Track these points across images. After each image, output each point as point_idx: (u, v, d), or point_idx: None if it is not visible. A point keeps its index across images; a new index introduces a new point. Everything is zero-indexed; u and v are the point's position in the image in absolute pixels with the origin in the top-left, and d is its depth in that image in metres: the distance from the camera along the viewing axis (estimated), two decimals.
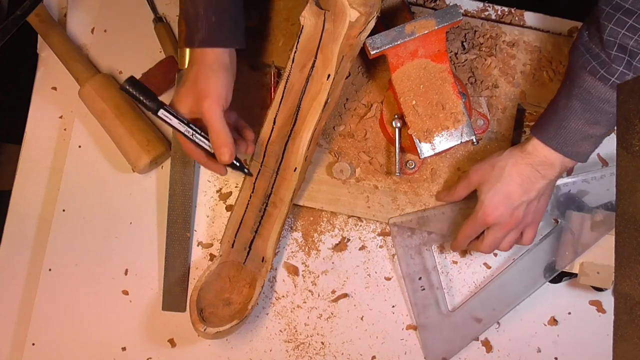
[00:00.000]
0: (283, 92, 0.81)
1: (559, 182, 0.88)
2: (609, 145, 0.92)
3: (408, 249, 0.88)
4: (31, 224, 0.93)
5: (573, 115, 0.74)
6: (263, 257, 0.86)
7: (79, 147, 0.92)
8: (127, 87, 0.72)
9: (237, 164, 0.80)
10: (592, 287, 0.90)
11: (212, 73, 0.74)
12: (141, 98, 0.73)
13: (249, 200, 0.85)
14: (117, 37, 0.94)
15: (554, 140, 0.76)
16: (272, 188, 0.84)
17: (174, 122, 0.75)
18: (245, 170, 0.81)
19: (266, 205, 0.85)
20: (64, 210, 0.91)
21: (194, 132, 0.76)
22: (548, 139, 0.76)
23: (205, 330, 0.81)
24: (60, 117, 0.94)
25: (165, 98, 0.92)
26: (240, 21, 0.78)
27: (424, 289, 0.88)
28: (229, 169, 0.81)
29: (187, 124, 0.76)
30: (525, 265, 0.89)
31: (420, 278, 0.88)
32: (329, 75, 0.79)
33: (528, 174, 0.77)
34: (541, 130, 0.77)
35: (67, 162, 0.92)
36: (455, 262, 0.90)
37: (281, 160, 0.83)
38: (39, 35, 0.93)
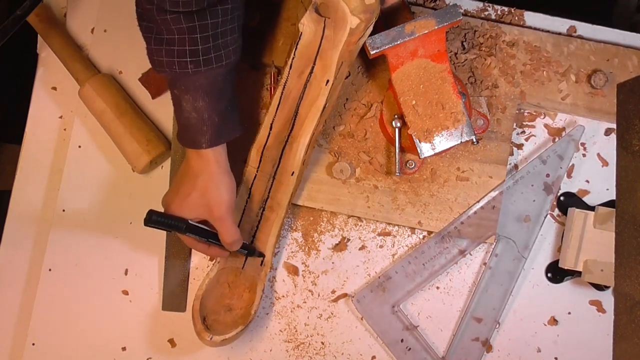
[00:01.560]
0: (280, 98, 0.82)
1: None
2: (608, 145, 0.92)
3: (380, 318, 0.88)
4: (31, 224, 0.93)
5: None
6: (262, 261, 0.86)
7: (79, 147, 0.92)
8: (154, 218, 0.75)
9: (245, 251, 0.83)
10: (592, 285, 0.90)
11: (220, 183, 0.77)
12: (171, 223, 0.76)
13: (245, 206, 0.85)
14: (117, 37, 0.93)
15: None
16: (269, 192, 0.84)
17: (196, 236, 0.78)
18: (245, 252, 0.83)
19: (263, 210, 0.85)
20: (64, 210, 0.91)
21: (208, 239, 0.79)
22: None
23: (211, 339, 0.81)
24: (60, 117, 0.94)
25: (165, 98, 0.92)
26: (236, 109, 0.79)
27: (410, 349, 0.88)
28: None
29: (207, 238, 0.79)
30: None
31: (402, 340, 0.88)
32: (327, 81, 0.79)
33: None
34: None
35: (67, 162, 0.92)
36: (455, 263, 0.90)
37: (278, 165, 0.83)
38: (38, 35, 0.93)
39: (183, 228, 0.76)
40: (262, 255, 0.85)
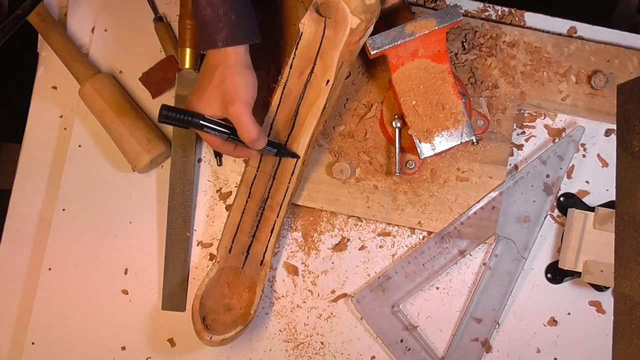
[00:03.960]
0: (280, 98, 0.81)
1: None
2: (608, 146, 0.92)
3: (380, 318, 0.88)
4: (31, 223, 0.93)
5: None
6: (262, 261, 0.86)
7: (79, 146, 0.92)
8: (164, 113, 0.72)
9: (273, 149, 0.79)
10: (591, 286, 0.90)
11: (237, 75, 0.74)
12: (184, 118, 0.73)
13: (245, 205, 0.85)
14: (118, 36, 0.94)
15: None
16: (269, 192, 0.84)
17: (214, 132, 0.75)
18: (274, 151, 0.79)
19: (263, 210, 0.85)
20: (63, 210, 0.91)
21: (229, 135, 0.76)
22: None
23: (211, 338, 0.81)
24: (61, 116, 0.94)
25: (165, 97, 0.93)
26: (253, 16, 0.78)
27: (409, 349, 0.88)
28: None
29: (226, 133, 0.76)
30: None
31: (402, 340, 0.88)
32: (327, 81, 0.79)
33: None
34: None
35: (67, 162, 0.92)
36: (455, 263, 0.90)
37: (278, 165, 0.83)
38: (39, 35, 0.93)
39: (198, 123, 0.73)
40: (295, 155, 0.82)
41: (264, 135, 0.76)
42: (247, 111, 0.74)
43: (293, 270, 0.91)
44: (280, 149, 0.80)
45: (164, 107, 0.72)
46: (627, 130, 0.58)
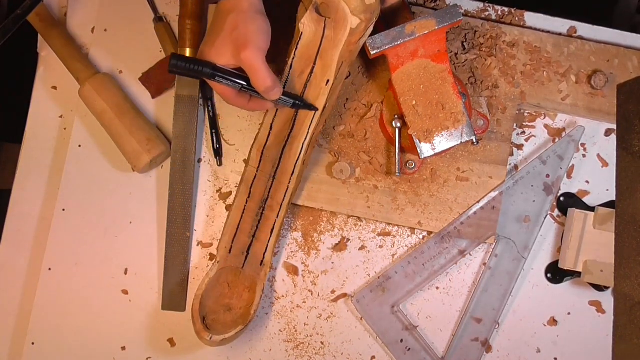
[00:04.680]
0: None
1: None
2: (608, 146, 0.92)
3: (380, 318, 0.88)
4: (31, 223, 0.93)
5: None
6: (262, 261, 0.86)
7: (79, 146, 0.92)
8: (173, 62, 0.70)
9: (290, 100, 0.77)
10: (591, 286, 0.90)
11: (250, 20, 0.72)
12: (195, 68, 0.70)
13: (245, 205, 0.85)
14: (118, 36, 0.94)
15: None
16: (269, 192, 0.84)
17: (227, 82, 0.73)
18: (290, 102, 0.77)
19: (263, 210, 0.85)
20: (63, 210, 0.91)
21: (243, 87, 0.74)
22: None
23: (211, 338, 0.81)
24: (61, 116, 0.94)
25: (165, 98, 0.93)
26: None
27: (409, 349, 0.88)
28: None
29: (240, 83, 0.73)
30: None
31: (402, 340, 0.88)
32: (327, 81, 0.79)
33: None
34: None
35: (67, 162, 0.92)
36: (455, 263, 0.90)
37: (278, 165, 0.83)
38: (39, 35, 0.93)
39: (210, 72, 0.70)
40: (313, 107, 0.79)
41: (279, 84, 0.73)
42: (261, 57, 0.71)
43: (293, 270, 0.91)
44: (297, 100, 0.78)
45: (174, 56, 0.69)
46: (627, 130, 0.58)
